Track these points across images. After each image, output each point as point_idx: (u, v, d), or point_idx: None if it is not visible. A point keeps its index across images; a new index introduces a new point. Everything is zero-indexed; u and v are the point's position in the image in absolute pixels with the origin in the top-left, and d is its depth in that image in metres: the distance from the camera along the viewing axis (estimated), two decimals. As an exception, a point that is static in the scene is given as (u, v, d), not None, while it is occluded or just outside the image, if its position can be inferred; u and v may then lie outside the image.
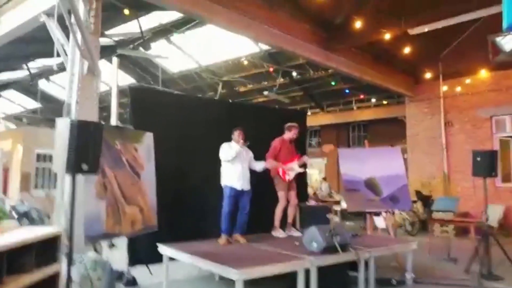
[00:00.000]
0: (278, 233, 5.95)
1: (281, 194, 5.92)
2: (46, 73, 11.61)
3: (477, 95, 10.59)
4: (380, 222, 6.56)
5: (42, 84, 15.50)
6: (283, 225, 6.07)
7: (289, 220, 6.05)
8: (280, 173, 5.92)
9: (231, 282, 4.04)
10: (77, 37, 4.97)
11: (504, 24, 3.42)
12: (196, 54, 13.52)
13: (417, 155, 11.70)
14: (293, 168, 5.95)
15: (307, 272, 4.33)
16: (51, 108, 17.62)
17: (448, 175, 10.96)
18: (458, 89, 10.87)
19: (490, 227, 5.82)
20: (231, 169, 5.60)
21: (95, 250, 5.03)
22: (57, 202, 4.86)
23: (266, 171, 6.00)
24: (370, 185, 6.84)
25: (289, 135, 6.07)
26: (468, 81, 10.70)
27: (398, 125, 13.47)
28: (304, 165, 6.09)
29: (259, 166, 5.84)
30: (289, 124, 6.14)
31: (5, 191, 15.59)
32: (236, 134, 5.67)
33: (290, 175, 5.93)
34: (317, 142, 18.63)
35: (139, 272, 5.40)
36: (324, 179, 15.97)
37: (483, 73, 10.30)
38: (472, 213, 9.36)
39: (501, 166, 9.02)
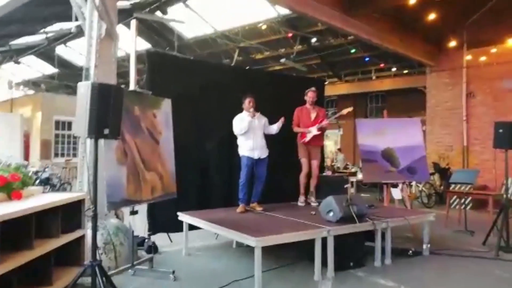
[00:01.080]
0: (299, 200, 6.09)
1: (302, 161, 6.03)
2: (63, 37, 11.54)
3: (502, 65, 10.20)
4: (397, 193, 6.52)
5: (60, 49, 15.48)
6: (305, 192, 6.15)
7: (311, 188, 6.14)
8: (302, 137, 6.05)
9: (248, 249, 4.10)
10: (95, -2, 4.88)
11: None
12: (213, 19, 13.27)
13: (436, 126, 11.49)
14: (310, 131, 5.99)
15: (324, 241, 4.36)
16: (68, 74, 17.67)
17: (467, 147, 10.77)
18: (483, 58, 10.48)
19: (509, 200, 5.73)
20: (246, 140, 5.62)
21: (117, 216, 5.13)
22: (79, 167, 4.91)
23: (287, 141, 5.99)
24: (388, 156, 6.76)
25: (306, 99, 6.11)
26: (493, 50, 10.30)
27: (417, 96, 13.18)
28: (322, 129, 6.07)
29: (274, 128, 5.81)
30: (307, 90, 6.18)
31: (27, 158, 15.88)
32: (247, 102, 5.63)
33: (307, 137, 5.98)
34: (334, 112, 18.39)
35: (160, 239, 5.52)
36: (339, 150, 15.89)
37: (510, 42, 9.87)
38: (491, 185, 9.26)
39: (523, 139, 8.78)
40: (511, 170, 5.53)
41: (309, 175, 6.07)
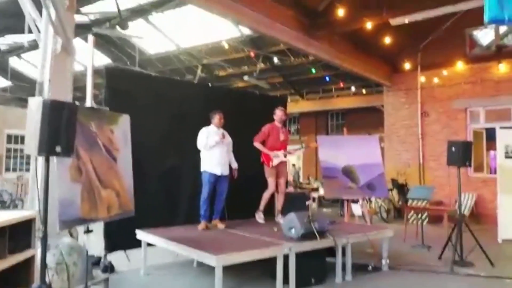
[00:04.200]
0: (258, 216, 6.00)
1: (269, 181, 5.94)
2: (17, 50, 11.08)
3: (453, 87, 10.79)
4: (357, 209, 6.64)
5: (13, 61, 14.84)
6: (270, 212, 6.08)
7: (278, 207, 6.10)
8: (265, 158, 5.95)
9: (208, 268, 4.01)
10: (51, 12, 4.72)
11: (486, 18, 3.39)
12: (175, 36, 13.22)
13: (393, 143, 11.87)
14: (278, 155, 5.94)
15: (286, 258, 4.34)
16: (22, 87, 16.94)
17: (423, 164, 11.19)
18: (435, 80, 11.04)
19: (462, 215, 5.96)
20: (211, 155, 5.55)
21: (71, 235, 4.88)
22: (31, 185, 4.65)
23: (251, 156, 5.95)
24: (348, 172, 6.91)
25: (275, 118, 6.07)
26: (445, 72, 10.88)
27: (376, 114, 13.63)
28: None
29: (233, 164, 5.83)
30: (275, 109, 6.15)
31: (-24, 173, 14.98)
32: (217, 118, 5.61)
33: (274, 162, 5.91)
34: (296, 129, 18.70)
35: (117, 258, 5.31)
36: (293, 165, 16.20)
37: (460, 66, 10.50)
38: (446, 201, 9.60)
39: (474, 157, 9.22)
40: (464, 187, 5.76)
41: (273, 194, 6.03)
